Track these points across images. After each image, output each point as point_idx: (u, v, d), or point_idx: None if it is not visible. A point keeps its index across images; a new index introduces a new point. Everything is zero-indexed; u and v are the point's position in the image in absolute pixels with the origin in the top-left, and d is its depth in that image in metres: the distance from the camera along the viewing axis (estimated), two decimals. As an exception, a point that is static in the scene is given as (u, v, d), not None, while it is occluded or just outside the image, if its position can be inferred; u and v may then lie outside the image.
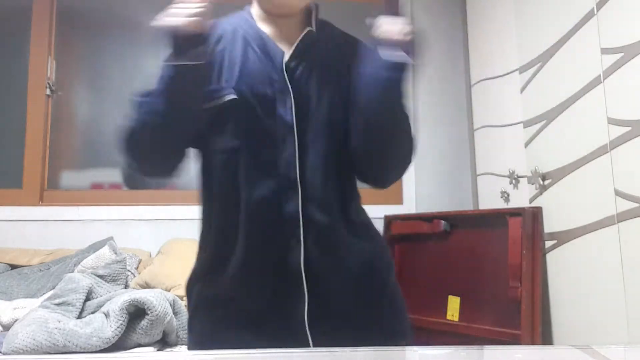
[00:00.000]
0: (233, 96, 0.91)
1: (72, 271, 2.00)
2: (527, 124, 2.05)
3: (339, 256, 0.94)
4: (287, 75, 0.93)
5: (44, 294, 1.94)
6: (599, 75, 1.61)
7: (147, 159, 0.94)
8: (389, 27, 0.87)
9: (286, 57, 0.94)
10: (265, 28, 0.98)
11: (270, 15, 0.99)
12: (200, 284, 0.97)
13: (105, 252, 2.06)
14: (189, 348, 1.00)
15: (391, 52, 0.86)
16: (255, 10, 1.01)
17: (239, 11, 1.03)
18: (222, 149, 0.93)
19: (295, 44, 0.96)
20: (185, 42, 0.84)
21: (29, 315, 1.54)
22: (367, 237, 0.99)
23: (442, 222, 2.20)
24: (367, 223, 1.01)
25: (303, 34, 0.97)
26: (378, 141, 0.93)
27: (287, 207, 0.91)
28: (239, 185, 0.92)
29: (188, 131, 0.93)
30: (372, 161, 0.96)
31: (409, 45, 0.87)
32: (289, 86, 0.93)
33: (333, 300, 0.92)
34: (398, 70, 0.87)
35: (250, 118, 0.92)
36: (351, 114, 0.95)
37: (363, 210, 1.02)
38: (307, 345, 0.89)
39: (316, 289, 0.90)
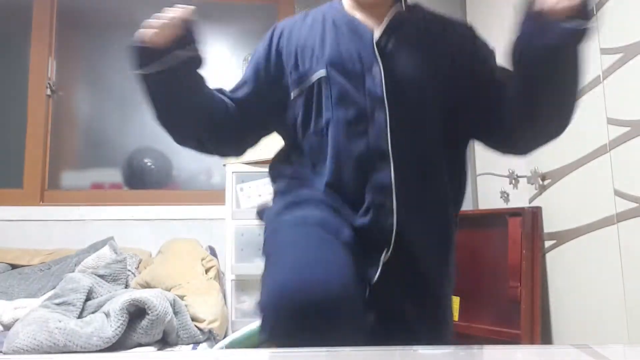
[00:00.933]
0: (323, 74, 0.97)
1: (73, 271, 2.00)
2: (526, 124, 2.05)
3: (425, 226, 1.00)
4: (378, 52, 0.97)
5: (44, 293, 1.94)
6: (599, 76, 1.61)
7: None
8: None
9: (376, 36, 0.98)
10: (356, 14, 1.03)
11: (359, 4, 1.04)
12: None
13: (105, 252, 2.07)
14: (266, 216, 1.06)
15: (569, 21, 0.86)
16: (345, 0, 1.07)
17: (330, 2, 1.10)
18: (314, 131, 0.99)
19: (385, 24, 1.00)
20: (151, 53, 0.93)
21: (30, 315, 1.54)
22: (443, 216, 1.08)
23: (442, 222, 2.19)
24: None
25: (392, 15, 1.01)
26: (548, 110, 0.95)
27: (378, 178, 0.95)
28: (325, 159, 0.97)
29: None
30: (528, 131, 1.00)
31: (583, 12, 0.86)
32: (379, 61, 0.96)
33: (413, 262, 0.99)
34: (579, 38, 0.88)
35: (340, 93, 0.96)
36: (489, 86, 1.03)
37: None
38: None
39: (399, 253, 0.95)
